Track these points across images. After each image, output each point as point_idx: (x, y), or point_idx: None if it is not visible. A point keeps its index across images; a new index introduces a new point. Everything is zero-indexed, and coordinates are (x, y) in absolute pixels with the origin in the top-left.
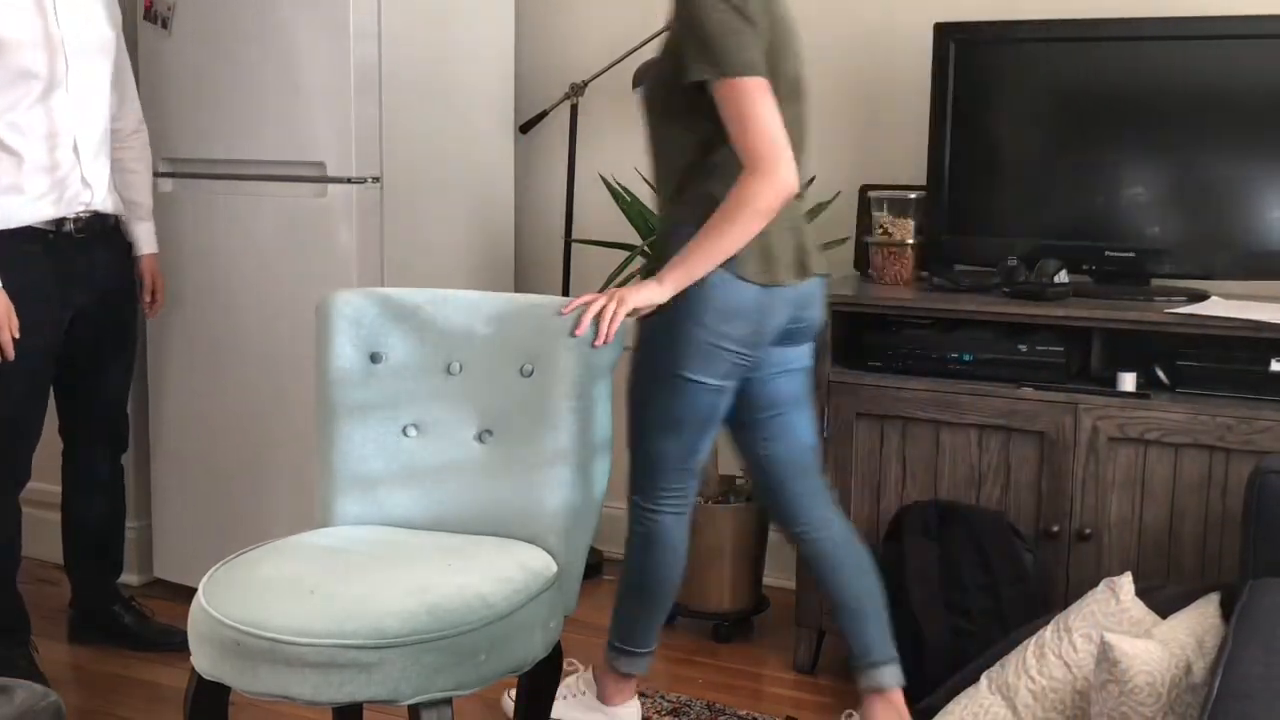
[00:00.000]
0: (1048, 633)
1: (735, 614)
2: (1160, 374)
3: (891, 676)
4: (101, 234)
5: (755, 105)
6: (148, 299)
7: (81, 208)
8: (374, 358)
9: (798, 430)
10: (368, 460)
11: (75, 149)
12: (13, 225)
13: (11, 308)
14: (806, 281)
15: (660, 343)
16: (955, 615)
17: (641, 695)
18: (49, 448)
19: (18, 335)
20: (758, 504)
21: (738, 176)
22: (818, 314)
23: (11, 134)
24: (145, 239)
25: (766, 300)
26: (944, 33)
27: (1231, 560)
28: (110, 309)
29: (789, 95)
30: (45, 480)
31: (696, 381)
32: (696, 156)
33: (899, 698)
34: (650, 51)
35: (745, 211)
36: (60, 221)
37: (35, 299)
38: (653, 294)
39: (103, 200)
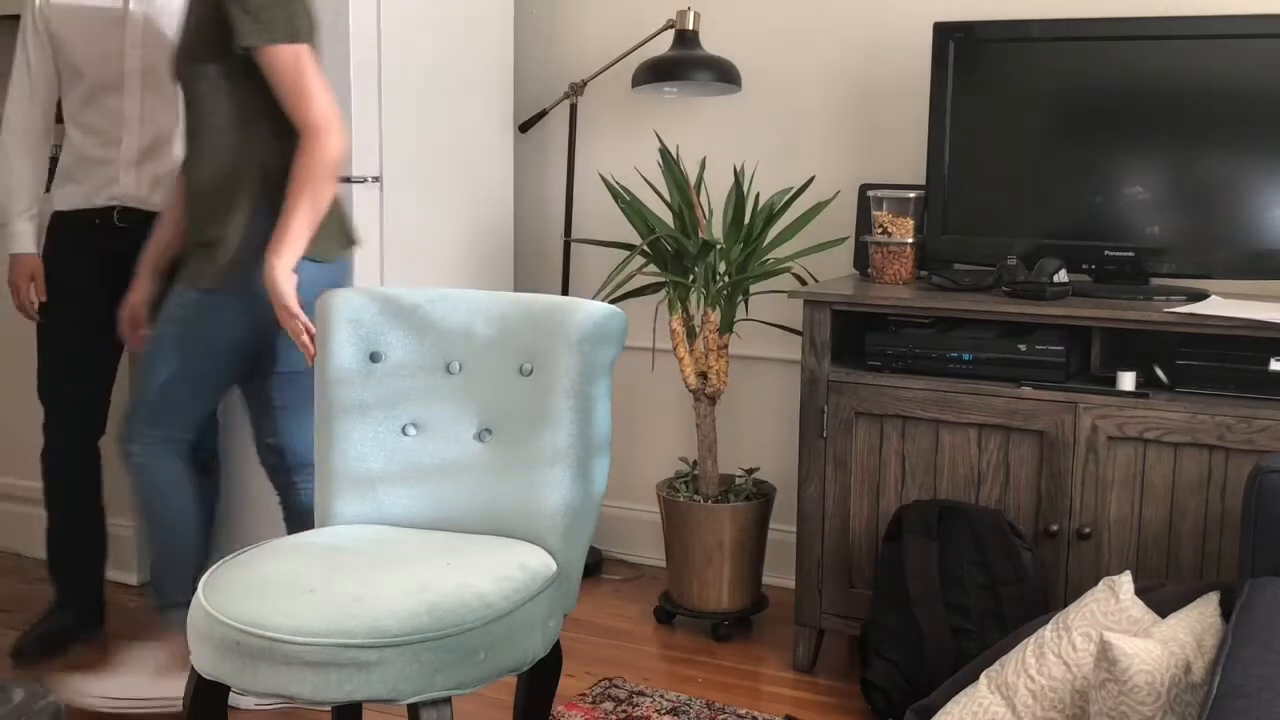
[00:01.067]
0: (1047, 632)
1: (734, 613)
2: (1160, 373)
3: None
4: (134, 228)
5: (308, 72)
6: None
7: (115, 202)
8: (373, 357)
9: None
10: (367, 459)
11: (121, 148)
12: (63, 208)
13: (41, 271)
14: (345, 258)
15: (218, 312)
16: (954, 614)
17: (641, 694)
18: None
19: (43, 298)
20: (757, 503)
21: (288, 144)
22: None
23: (70, 125)
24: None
25: (339, 273)
26: (943, 32)
27: (1231, 559)
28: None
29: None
30: None
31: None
32: (242, 128)
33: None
34: (650, 51)
35: (322, 175)
36: (108, 210)
37: (74, 274)
38: (289, 278)
39: (145, 199)
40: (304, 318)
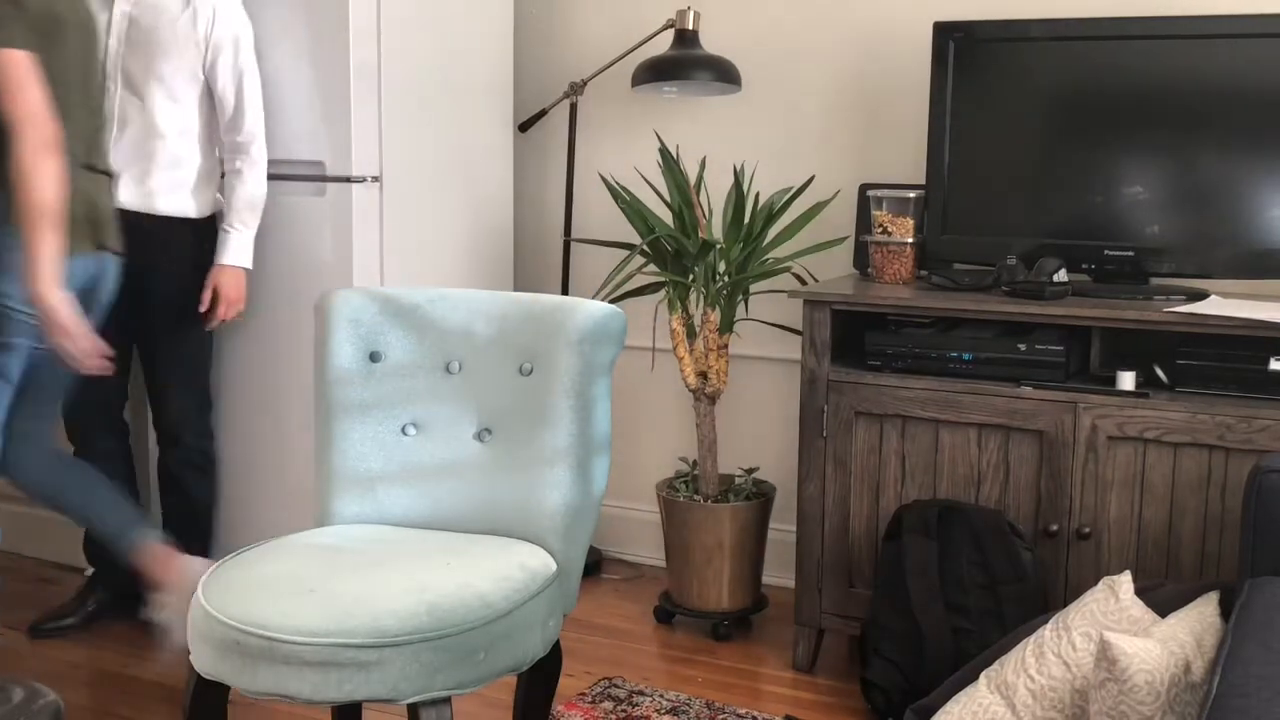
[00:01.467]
0: (1047, 631)
1: (734, 613)
2: (1159, 373)
3: (155, 535)
4: (125, 229)
5: (15, 75)
6: (203, 309)
7: None
8: (373, 356)
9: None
10: (367, 459)
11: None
12: None
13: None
14: (99, 254)
15: None
16: (954, 614)
17: (640, 694)
18: None
19: None
20: (757, 502)
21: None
22: (109, 288)
23: None
24: (221, 248)
25: (88, 269)
26: (943, 31)
27: (1230, 559)
28: (155, 305)
29: (75, 91)
30: None
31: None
32: None
33: (170, 551)
34: (650, 51)
35: (25, 174)
36: None
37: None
38: (55, 297)
39: (119, 198)
40: (76, 333)
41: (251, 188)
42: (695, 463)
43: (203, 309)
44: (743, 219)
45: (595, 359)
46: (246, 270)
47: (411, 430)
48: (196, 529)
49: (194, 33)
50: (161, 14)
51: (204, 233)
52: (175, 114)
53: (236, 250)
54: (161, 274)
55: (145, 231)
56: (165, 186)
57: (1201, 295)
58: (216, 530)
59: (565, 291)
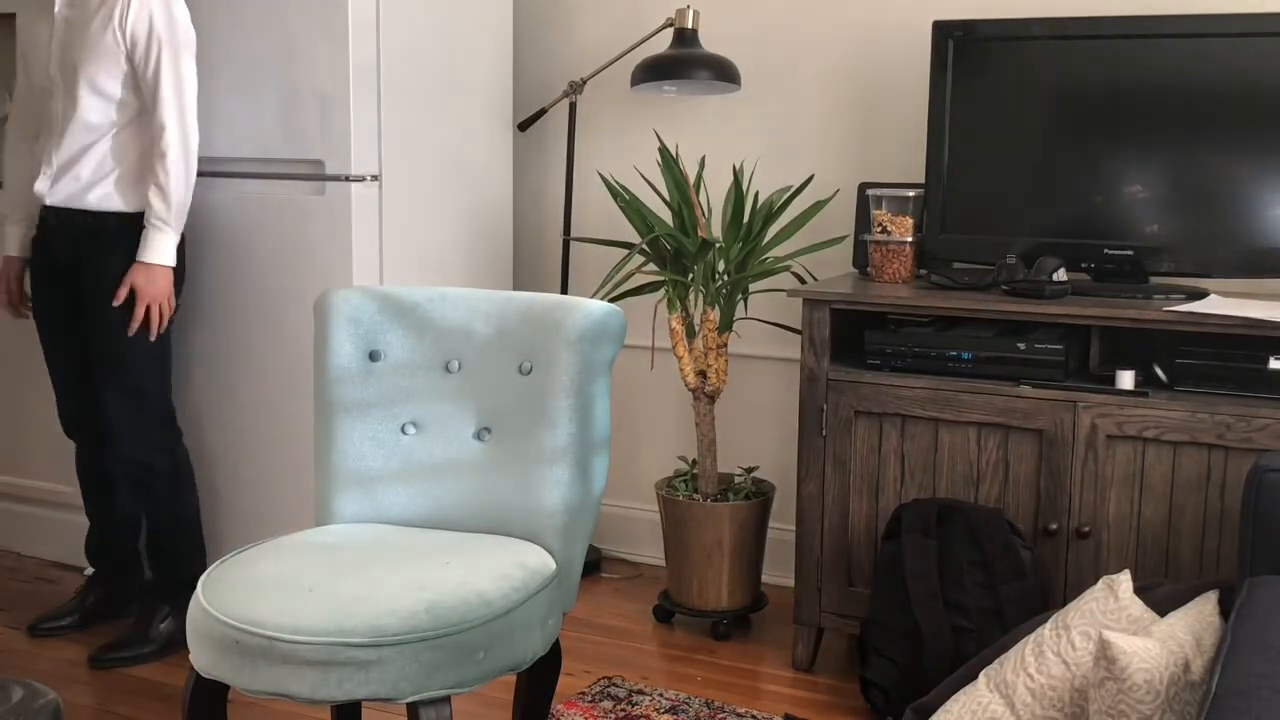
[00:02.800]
0: (1046, 630)
1: (734, 612)
2: (1159, 372)
3: None
4: (57, 226)
5: None
6: (116, 303)
7: (38, 205)
8: (373, 355)
9: None
10: (366, 458)
11: (45, 151)
12: (33, 210)
13: (16, 272)
14: None
15: None
16: (954, 613)
17: (640, 693)
18: (51, 445)
19: (13, 298)
20: (756, 501)
21: None
22: None
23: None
24: (141, 245)
25: None
26: (942, 30)
27: (1230, 558)
28: (89, 301)
29: None
30: (47, 480)
31: None
32: None
33: None
34: (649, 50)
35: None
36: (44, 209)
37: (32, 274)
38: None
39: (49, 198)
40: None
41: (166, 184)
42: (695, 462)
43: (115, 303)
44: (742, 218)
45: (594, 358)
46: (169, 269)
47: (411, 429)
48: (126, 550)
49: (111, 26)
50: (85, 12)
51: (138, 227)
52: (105, 110)
53: (155, 248)
54: (96, 270)
55: (77, 227)
56: (97, 182)
57: (1201, 294)
58: (212, 530)
59: (565, 290)
